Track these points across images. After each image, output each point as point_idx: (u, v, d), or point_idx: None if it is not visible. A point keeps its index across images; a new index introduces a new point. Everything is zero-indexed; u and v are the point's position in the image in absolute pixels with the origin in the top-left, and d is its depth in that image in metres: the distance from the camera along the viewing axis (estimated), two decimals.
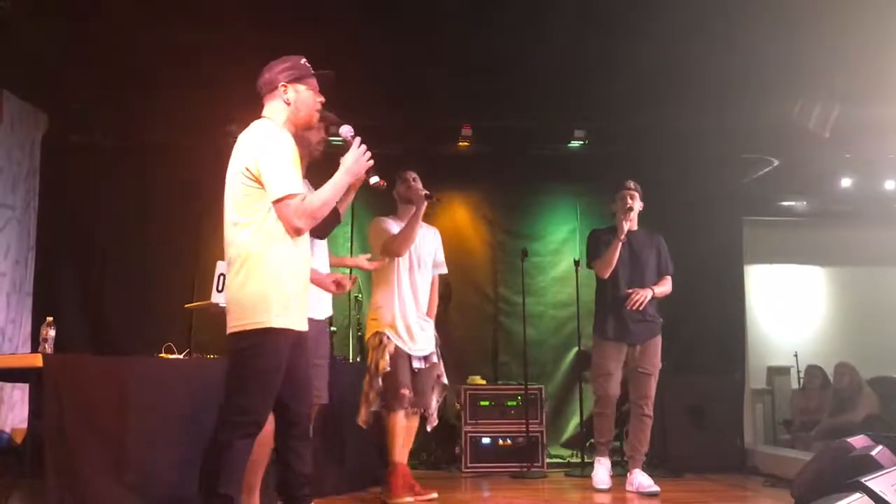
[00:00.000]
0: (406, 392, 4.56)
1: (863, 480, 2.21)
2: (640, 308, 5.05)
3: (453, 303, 6.34)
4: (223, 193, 3.03)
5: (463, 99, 6.12)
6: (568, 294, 6.76)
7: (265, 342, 2.87)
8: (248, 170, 2.91)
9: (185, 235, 6.64)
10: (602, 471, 5.14)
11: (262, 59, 3.19)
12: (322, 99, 3.16)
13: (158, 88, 5.85)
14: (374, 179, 3.16)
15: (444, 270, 5.04)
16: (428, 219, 4.93)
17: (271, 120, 3.06)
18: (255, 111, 3.14)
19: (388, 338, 4.59)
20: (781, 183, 7.23)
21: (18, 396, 5.67)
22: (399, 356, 4.58)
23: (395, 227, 4.73)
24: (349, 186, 3.27)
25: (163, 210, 6.57)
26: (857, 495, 2.09)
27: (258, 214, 2.91)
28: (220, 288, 4.49)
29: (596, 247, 5.27)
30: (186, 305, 5.30)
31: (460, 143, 6.67)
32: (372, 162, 3.08)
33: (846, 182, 7.24)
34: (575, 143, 6.77)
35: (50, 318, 3.75)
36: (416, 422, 4.81)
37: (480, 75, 5.80)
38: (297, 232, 2.95)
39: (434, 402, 4.89)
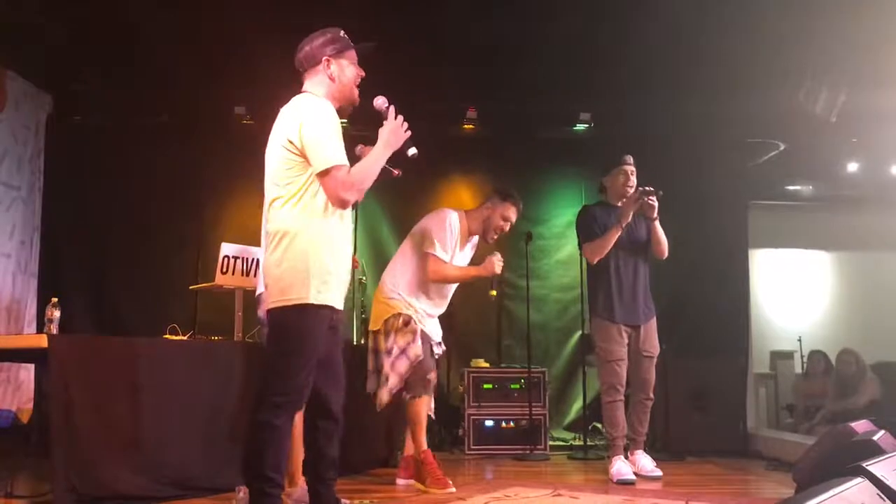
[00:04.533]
0: (432, 377, 4.35)
1: (864, 465, 2.21)
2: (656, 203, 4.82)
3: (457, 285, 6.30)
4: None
5: (468, 81, 6.10)
6: (572, 277, 6.74)
7: (303, 318, 2.79)
8: (290, 142, 2.82)
9: (189, 217, 6.64)
10: (621, 463, 4.77)
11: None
12: (363, 73, 3.07)
13: (163, 70, 5.85)
14: (412, 151, 3.03)
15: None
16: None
17: (313, 94, 2.97)
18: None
19: (415, 321, 4.33)
20: (788, 167, 7.20)
21: (24, 376, 5.71)
22: (425, 340, 4.35)
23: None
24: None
25: (168, 191, 6.56)
26: (859, 479, 2.09)
27: (299, 188, 2.82)
28: (224, 269, 4.51)
29: (590, 227, 4.98)
30: (191, 287, 5.31)
31: (465, 126, 6.65)
32: (410, 133, 3.01)
33: (853, 167, 7.22)
34: (580, 126, 6.75)
35: (55, 299, 3.75)
36: None
37: (486, 58, 5.78)
38: (342, 204, 2.85)
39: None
